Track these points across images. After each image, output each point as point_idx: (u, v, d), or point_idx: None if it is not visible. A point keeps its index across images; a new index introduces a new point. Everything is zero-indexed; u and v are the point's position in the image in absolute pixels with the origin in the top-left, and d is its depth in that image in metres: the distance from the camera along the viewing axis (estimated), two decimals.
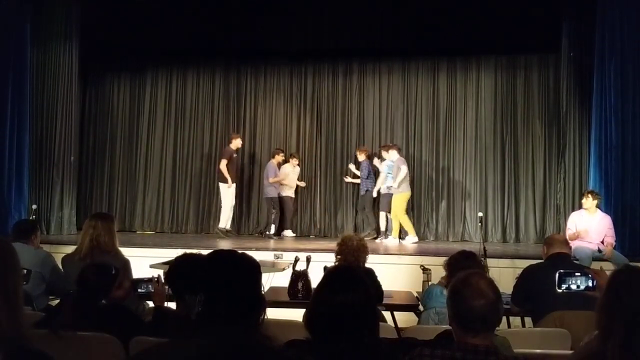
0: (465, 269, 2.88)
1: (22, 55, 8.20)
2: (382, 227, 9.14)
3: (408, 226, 8.81)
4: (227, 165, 9.14)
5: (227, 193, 9.25)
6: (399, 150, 9.06)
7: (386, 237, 8.92)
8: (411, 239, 8.70)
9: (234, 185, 9.33)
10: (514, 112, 9.69)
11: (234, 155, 9.38)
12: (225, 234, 9.26)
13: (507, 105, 9.73)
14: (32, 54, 8.48)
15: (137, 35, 9.59)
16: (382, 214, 9.15)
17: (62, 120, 8.87)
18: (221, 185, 9.27)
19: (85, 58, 9.48)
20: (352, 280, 2.04)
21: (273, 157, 9.60)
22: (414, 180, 9.47)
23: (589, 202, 6.76)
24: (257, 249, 7.29)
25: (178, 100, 10.53)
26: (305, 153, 10.23)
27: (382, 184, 9.11)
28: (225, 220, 9.30)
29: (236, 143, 9.40)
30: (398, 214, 8.74)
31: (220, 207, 9.44)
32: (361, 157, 9.41)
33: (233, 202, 9.38)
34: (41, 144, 8.75)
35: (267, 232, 9.28)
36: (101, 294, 3.01)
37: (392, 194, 8.82)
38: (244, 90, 10.44)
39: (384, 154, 9.13)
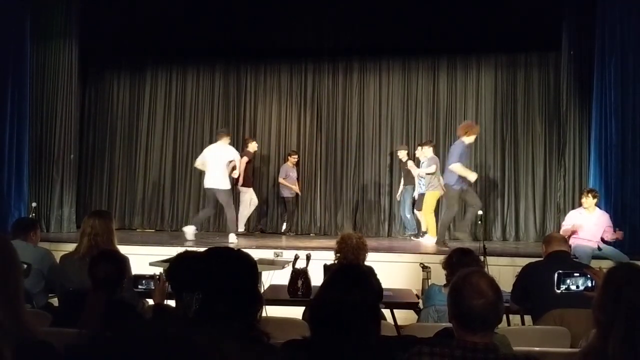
0: (464, 265, 2.88)
1: (22, 53, 8.19)
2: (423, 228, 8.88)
3: (432, 226, 8.53)
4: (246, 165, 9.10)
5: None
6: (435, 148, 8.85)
7: (422, 236, 8.72)
8: (430, 239, 8.41)
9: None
10: (514, 111, 9.68)
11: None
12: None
13: (507, 103, 9.72)
14: (32, 52, 8.47)
15: (137, 34, 9.59)
16: (419, 214, 8.95)
17: (61, 118, 8.87)
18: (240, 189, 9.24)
19: (85, 56, 9.47)
20: (358, 280, 2.04)
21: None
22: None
23: (589, 201, 6.76)
24: (258, 247, 7.30)
25: (178, 98, 10.52)
26: (306, 151, 10.23)
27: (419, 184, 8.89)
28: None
29: (253, 146, 9.42)
30: (426, 211, 8.48)
31: (237, 210, 9.24)
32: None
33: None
34: (41, 141, 8.75)
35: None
36: (117, 290, 3.02)
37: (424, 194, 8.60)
38: (243, 89, 10.42)
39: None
